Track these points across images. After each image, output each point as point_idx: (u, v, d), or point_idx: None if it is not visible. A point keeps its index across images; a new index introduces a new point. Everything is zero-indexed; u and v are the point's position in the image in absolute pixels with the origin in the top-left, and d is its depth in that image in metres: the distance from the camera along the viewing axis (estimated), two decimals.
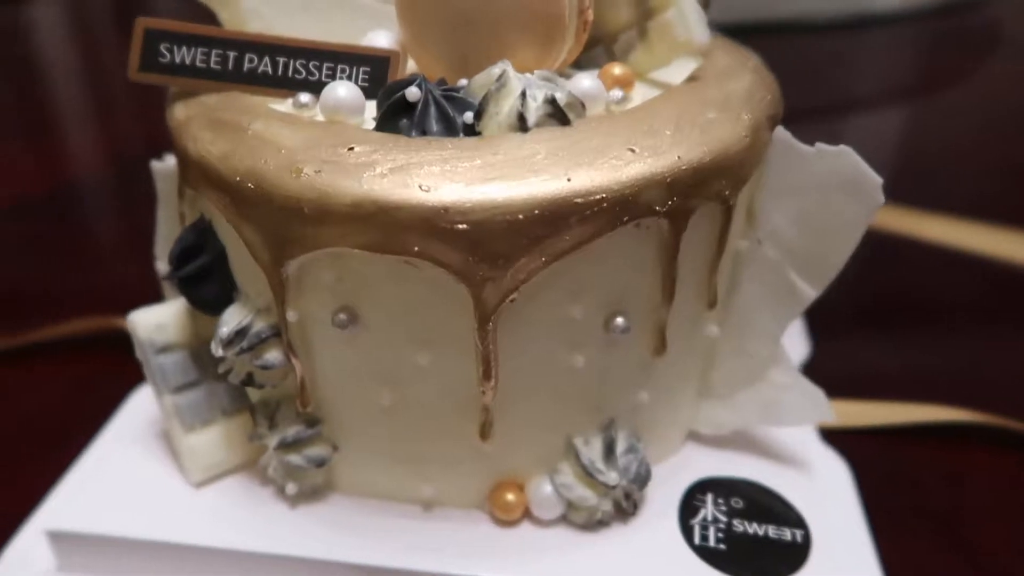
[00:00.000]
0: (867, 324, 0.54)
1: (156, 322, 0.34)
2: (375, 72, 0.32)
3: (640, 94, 0.33)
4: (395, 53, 0.32)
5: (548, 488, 0.33)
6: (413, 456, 0.33)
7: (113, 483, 0.36)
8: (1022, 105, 0.93)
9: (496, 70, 0.29)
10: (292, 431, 0.33)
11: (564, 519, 0.34)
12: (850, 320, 0.54)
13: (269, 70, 0.32)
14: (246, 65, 0.32)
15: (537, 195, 0.26)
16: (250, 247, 0.30)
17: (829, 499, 0.36)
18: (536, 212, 0.26)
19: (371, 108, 0.31)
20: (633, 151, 0.28)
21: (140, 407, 0.41)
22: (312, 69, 0.32)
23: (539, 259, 0.27)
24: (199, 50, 0.32)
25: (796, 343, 0.48)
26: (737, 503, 0.35)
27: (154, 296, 0.41)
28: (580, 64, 0.35)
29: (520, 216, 0.26)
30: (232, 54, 0.32)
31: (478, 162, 0.27)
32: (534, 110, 0.29)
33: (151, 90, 0.35)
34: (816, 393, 0.36)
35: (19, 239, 0.68)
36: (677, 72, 0.34)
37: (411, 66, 0.35)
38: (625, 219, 0.28)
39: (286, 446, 0.33)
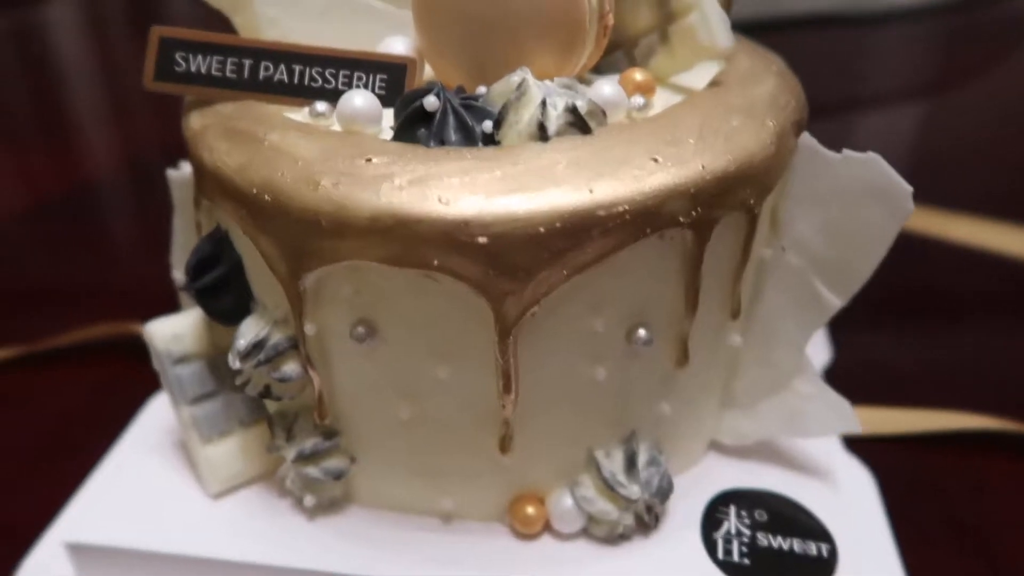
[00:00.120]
0: (888, 325, 0.53)
1: (173, 332, 0.34)
2: (392, 79, 0.32)
3: (662, 100, 0.32)
4: (412, 60, 0.32)
5: (569, 501, 0.33)
6: (432, 469, 0.33)
7: (131, 494, 0.36)
8: None
9: (515, 78, 0.29)
10: (310, 443, 0.32)
11: (585, 532, 0.33)
12: (871, 321, 0.53)
13: (285, 78, 0.32)
14: (262, 73, 0.32)
15: (559, 207, 0.26)
16: (267, 259, 0.29)
17: (854, 510, 0.35)
18: (558, 225, 0.26)
19: (388, 116, 0.30)
20: (656, 161, 0.27)
21: (158, 414, 0.41)
22: (328, 77, 0.32)
23: (561, 272, 0.27)
24: (214, 58, 0.32)
25: (817, 347, 0.48)
26: (761, 516, 0.34)
27: (171, 296, 0.42)
28: (600, 68, 0.34)
29: (541, 229, 0.26)
30: (248, 62, 0.32)
31: (498, 173, 0.27)
32: (554, 119, 0.28)
33: None
34: (841, 403, 0.35)
35: (39, 241, 0.68)
36: (699, 76, 0.33)
37: (428, 72, 0.34)
38: (648, 231, 0.27)
39: (304, 458, 0.32)
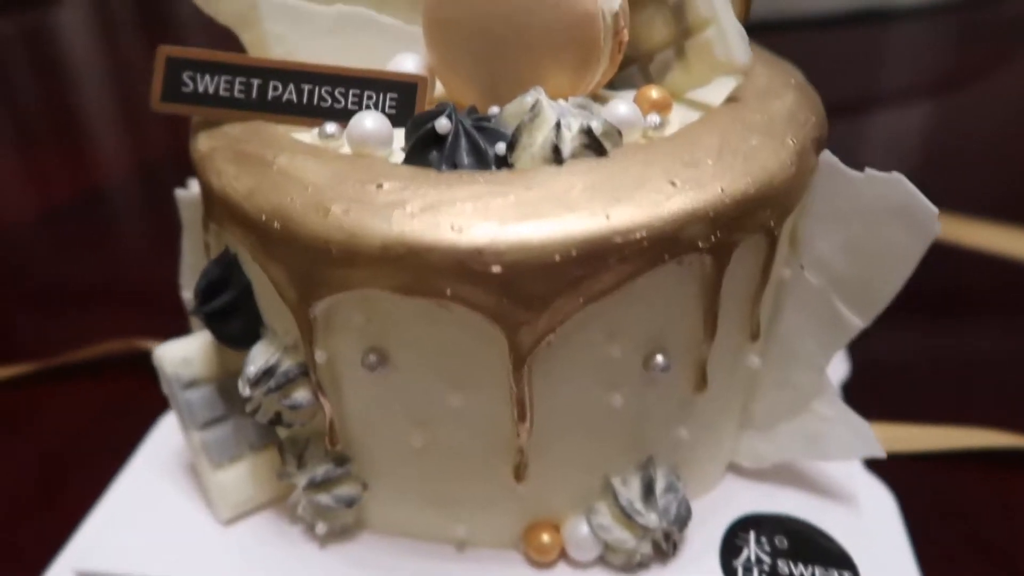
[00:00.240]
0: (905, 330, 0.52)
1: (183, 356, 0.34)
2: (403, 98, 0.31)
3: (678, 116, 0.31)
4: (423, 79, 0.31)
5: (585, 529, 0.32)
6: (445, 496, 0.32)
7: (141, 520, 0.35)
8: None
9: (529, 99, 0.28)
10: (321, 470, 0.32)
11: (601, 560, 0.33)
12: (887, 327, 0.52)
13: (294, 98, 0.31)
14: (270, 93, 0.32)
15: (575, 235, 0.25)
16: (276, 286, 0.29)
17: (876, 533, 0.35)
18: (574, 253, 0.25)
19: (399, 136, 0.30)
20: (674, 184, 0.27)
21: (167, 435, 0.40)
22: (338, 96, 0.31)
23: (576, 300, 0.26)
24: (222, 78, 0.32)
25: (835, 361, 0.47)
26: (781, 542, 0.33)
27: (182, 302, 0.41)
28: (614, 83, 0.34)
29: (557, 257, 0.25)
30: (256, 82, 0.32)
31: (512, 198, 0.26)
32: (569, 141, 0.28)
33: None
34: (862, 426, 0.34)
35: (50, 244, 0.68)
36: (716, 92, 0.32)
37: (439, 88, 0.34)
38: (666, 256, 0.27)
39: (315, 486, 0.32)
